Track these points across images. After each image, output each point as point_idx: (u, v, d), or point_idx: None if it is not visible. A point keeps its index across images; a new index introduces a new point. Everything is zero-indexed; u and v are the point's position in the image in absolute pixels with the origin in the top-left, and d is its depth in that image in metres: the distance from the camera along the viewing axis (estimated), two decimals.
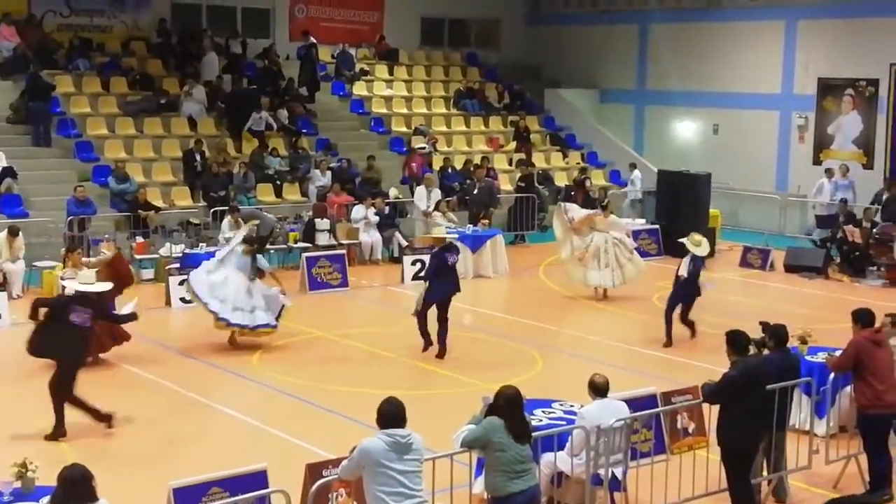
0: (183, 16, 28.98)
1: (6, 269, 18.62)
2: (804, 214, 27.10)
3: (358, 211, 22.65)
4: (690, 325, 16.52)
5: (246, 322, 15.45)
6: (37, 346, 12.06)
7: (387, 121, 29.53)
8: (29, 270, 19.31)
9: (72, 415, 12.31)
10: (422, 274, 16.06)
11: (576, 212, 19.93)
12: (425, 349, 15.36)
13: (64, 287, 13.50)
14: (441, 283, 15.17)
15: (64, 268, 15.81)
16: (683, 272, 16.13)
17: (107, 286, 12.75)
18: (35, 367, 15.10)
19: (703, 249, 16.39)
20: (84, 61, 26.19)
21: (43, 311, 12.01)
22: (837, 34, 27.27)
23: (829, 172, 25.84)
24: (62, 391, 11.72)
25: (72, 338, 11.78)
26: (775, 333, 10.20)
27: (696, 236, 16.59)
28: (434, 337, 15.33)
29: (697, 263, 16.21)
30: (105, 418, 11.96)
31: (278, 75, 28.27)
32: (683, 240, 16.53)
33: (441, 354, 15.27)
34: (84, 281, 12.31)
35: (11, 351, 16.23)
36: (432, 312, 15.32)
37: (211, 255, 18.96)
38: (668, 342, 16.28)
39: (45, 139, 23.87)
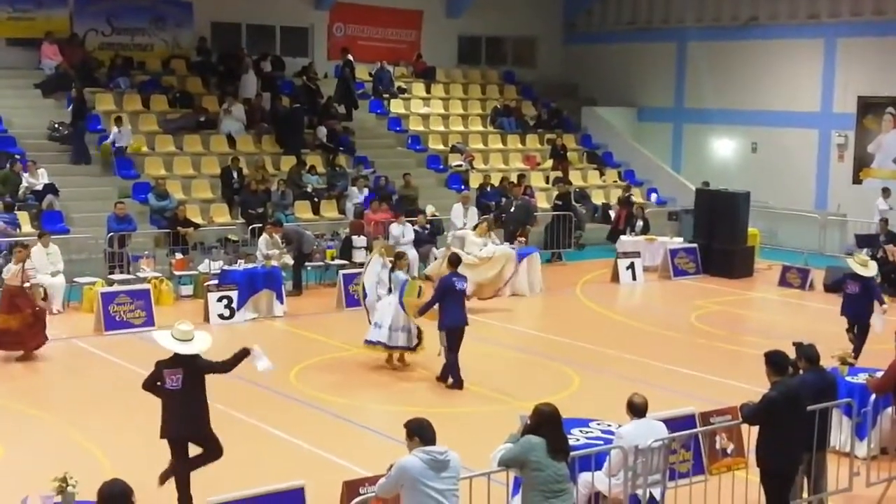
0: (223, 34, 29.27)
1: (46, 283, 18.79)
2: (844, 233, 26.88)
3: (395, 229, 22.69)
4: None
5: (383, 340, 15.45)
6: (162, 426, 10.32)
7: (424, 138, 29.63)
8: (69, 286, 19.49)
9: (108, 426, 12.41)
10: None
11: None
12: (457, 386, 14.70)
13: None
14: (451, 308, 14.63)
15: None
16: (854, 290, 15.38)
17: (202, 346, 10.15)
18: (75, 384, 15.27)
19: (870, 270, 15.46)
20: (125, 79, 26.52)
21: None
22: (877, 52, 27.10)
23: (886, 192, 25.52)
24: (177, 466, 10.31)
25: (172, 407, 10.16)
26: (806, 353, 10.10)
27: (862, 256, 15.94)
28: (443, 368, 14.87)
29: (869, 282, 15.37)
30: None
31: (317, 93, 28.46)
32: (849, 260, 16.00)
33: (455, 385, 14.68)
34: (181, 337, 10.03)
35: (51, 367, 16.43)
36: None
37: (249, 271, 19.15)
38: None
39: (86, 157, 24.16)
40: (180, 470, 10.11)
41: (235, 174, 24.53)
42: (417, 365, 15.71)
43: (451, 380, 14.72)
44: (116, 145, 24.13)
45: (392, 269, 15.74)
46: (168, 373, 9.94)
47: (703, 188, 26.17)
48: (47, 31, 26.07)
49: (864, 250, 16.38)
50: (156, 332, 10.63)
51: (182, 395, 9.93)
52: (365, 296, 15.92)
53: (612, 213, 28.73)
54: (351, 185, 25.57)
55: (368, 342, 15.69)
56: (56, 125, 24.50)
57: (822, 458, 10.16)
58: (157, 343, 10.18)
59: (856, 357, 14.91)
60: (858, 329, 15.45)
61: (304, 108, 27.55)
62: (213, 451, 10.22)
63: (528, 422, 8.24)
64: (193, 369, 9.97)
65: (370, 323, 15.72)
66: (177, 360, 9.97)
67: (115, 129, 24.16)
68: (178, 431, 10.04)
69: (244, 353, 10.28)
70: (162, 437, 10.08)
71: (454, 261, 15.46)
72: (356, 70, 29.55)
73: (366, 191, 25.27)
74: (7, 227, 20.84)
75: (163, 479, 10.19)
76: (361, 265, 21.39)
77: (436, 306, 14.73)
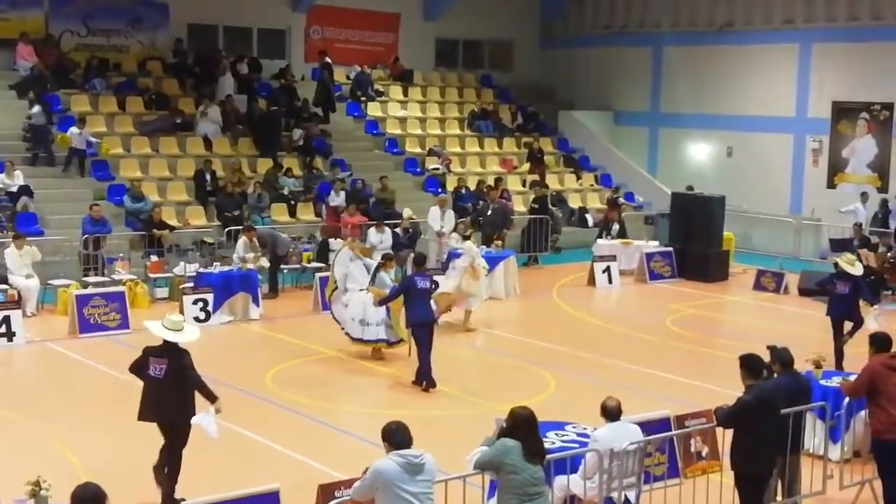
0: (199, 36, 29.18)
1: (20, 285, 18.69)
2: (819, 237, 27.04)
3: (373, 235, 22.64)
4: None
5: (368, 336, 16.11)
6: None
7: (401, 141, 29.64)
8: (44, 288, 19.37)
9: (82, 428, 12.35)
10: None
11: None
12: (432, 385, 14.73)
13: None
14: (417, 305, 14.76)
15: None
16: (844, 290, 15.55)
17: (192, 335, 10.55)
18: (49, 387, 15.17)
19: (858, 269, 15.73)
20: (101, 81, 26.38)
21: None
22: (852, 58, 27.29)
23: (864, 196, 25.68)
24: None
25: (154, 394, 10.37)
26: (780, 357, 10.14)
27: (850, 255, 16.20)
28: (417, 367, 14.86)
29: (858, 281, 15.63)
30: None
31: (294, 96, 28.41)
32: (837, 259, 16.12)
33: (429, 386, 14.66)
34: (172, 327, 10.37)
35: (25, 369, 16.33)
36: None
37: (225, 274, 19.12)
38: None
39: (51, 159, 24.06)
40: (164, 458, 10.36)
41: (209, 176, 24.48)
42: (393, 367, 15.69)
43: (424, 381, 14.72)
44: (73, 146, 23.63)
45: (378, 270, 16.13)
46: (154, 360, 10.17)
47: (680, 192, 26.25)
48: (22, 31, 25.91)
49: (845, 253, 16.53)
50: (147, 322, 10.84)
51: (163, 384, 10.13)
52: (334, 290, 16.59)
53: (590, 218, 28.85)
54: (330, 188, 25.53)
55: (358, 340, 16.25)
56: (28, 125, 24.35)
57: (796, 462, 10.22)
58: (149, 330, 10.44)
59: (840, 361, 15.07)
60: (843, 329, 15.53)
61: (281, 111, 27.51)
62: (176, 443, 10.34)
63: (504, 425, 8.25)
64: (177, 363, 10.15)
65: (338, 321, 16.48)
66: (164, 350, 10.22)
67: (74, 130, 23.65)
68: (152, 417, 10.29)
69: (212, 397, 10.30)
70: (139, 419, 10.37)
71: (419, 261, 15.71)
72: (334, 73, 29.51)
73: (343, 194, 25.22)
74: None
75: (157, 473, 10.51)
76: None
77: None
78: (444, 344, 17.65)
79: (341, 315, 16.56)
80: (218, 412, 10.22)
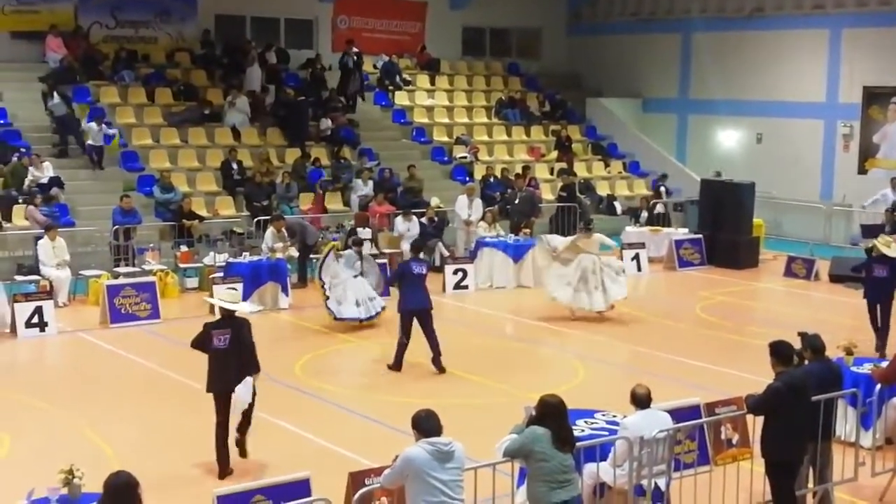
0: (227, 27, 29.25)
1: (51, 276, 18.83)
2: (849, 224, 26.84)
3: (400, 224, 22.71)
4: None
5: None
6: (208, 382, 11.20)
7: (428, 130, 29.62)
8: (75, 279, 19.52)
9: (113, 418, 12.46)
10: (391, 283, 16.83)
11: (558, 241, 19.25)
12: (396, 368, 15.01)
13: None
14: (410, 292, 14.99)
15: None
16: (882, 273, 15.66)
17: (249, 307, 12.17)
18: (80, 376, 15.30)
19: (893, 251, 15.76)
20: (129, 72, 26.50)
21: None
22: (882, 42, 27.02)
23: (894, 182, 25.45)
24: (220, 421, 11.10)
25: (219, 363, 11.05)
26: (811, 344, 10.08)
27: (887, 237, 16.35)
28: (428, 356, 15.13)
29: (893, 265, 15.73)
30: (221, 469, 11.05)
31: (322, 85, 28.43)
32: (875, 242, 16.14)
33: (440, 369, 14.99)
34: (230, 299, 11.45)
35: (57, 359, 16.47)
36: (419, 336, 15.14)
37: (254, 263, 19.21)
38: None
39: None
40: (221, 427, 10.97)
41: (235, 166, 24.57)
42: (422, 357, 15.70)
43: (435, 366, 14.99)
44: (90, 143, 23.49)
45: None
46: (217, 333, 10.98)
47: (709, 178, 26.13)
48: (51, 23, 26.07)
49: (882, 235, 16.52)
50: (207, 298, 13.14)
51: (226, 353, 10.94)
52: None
53: (618, 205, 28.75)
54: (356, 178, 25.56)
55: (341, 318, 17.41)
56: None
57: (828, 449, 10.15)
58: (211, 303, 11.96)
59: (884, 348, 14.99)
60: (882, 311, 15.59)
61: (309, 101, 27.55)
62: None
63: (533, 413, 8.25)
64: (239, 331, 11.05)
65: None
66: (226, 322, 11.11)
67: (93, 125, 23.40)
68: (222, 386, 10.98)
69: (258, 367, 11.37)
70: (208, 391, 11.05)
71: (416, 246, 16.16)
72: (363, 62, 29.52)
73: (371, 183, 25.26)
74: (47, 220, 20.57)
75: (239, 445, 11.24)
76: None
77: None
78: (472, 332, 17.68)
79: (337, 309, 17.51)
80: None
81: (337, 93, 28.50)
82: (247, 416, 11.19)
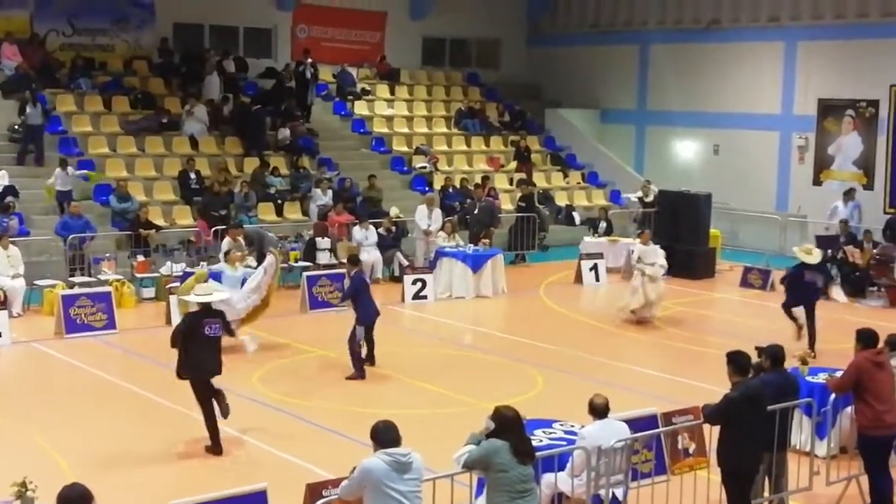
0: (185, 35, 29.12)
1: (6, 285, 18.60)
2: (804, 234, 27.09)
3: (357, 232, 22.71)
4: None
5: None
6: (186, 368, 12.01)
7: (388, 140, 29.61)
8: (30, 289, 19.30)
9: (68, 429, 12.33)
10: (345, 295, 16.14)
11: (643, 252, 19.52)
12: (359, 377, 15.10)
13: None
14: (369, 302, 15.34)
15: None
16: (813, 278, 16.80)
17: (225, 294, 13.82)
18: (34, 387, 15.13)
19: (814, 258, 16.85)
20: (86, 80, 26.29)
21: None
22: (837, 55, 27.36)
23: (848, 195, 25.72)
24: (206, 405, 11.96)
25: (210, 349, 11.98)
26: (771, 353, 10.16)
27: (807, 245, 17.36)
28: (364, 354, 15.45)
29: (822, 268, 16.96)
30: (215, 449, 11.98)
31: (287, 94, 28.26)
32: (795, 249, 17.25)
33: (372, 364, 15.50)
34: (204, 292, 12.53)
35: (11, 370, 16.27)
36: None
37: (212, 274, 19.02)
38: (800, 330, 16.85)
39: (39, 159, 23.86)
40: (209, 412, 11.85)
41: (193, 175, 24.43)
42: (383, 368, 15.68)
43: (356, 371, 15.04)
44: (59, 189, 22.58)
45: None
46: (208, 322, 11.88)
47: (667, 189, 26.23)
48: (7, 31, 25.83)
49: (802, 245, 17.69)
50: (185, 297, 13.48)
51: (216, 340, 11.98)
52: None
53: (577, 216, 28.87)
54: (315, 187, 25.49)
55: None
56: (16, 126, 24.24)
57: (783, 458, 10.24)
58: (193, 302, 12.43)
59: (813, 346, 15.65)
60: (809, 317, 16.74)
61: (269, 110, 27.45)
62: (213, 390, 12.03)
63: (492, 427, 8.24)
64: (224, 319, 12.34)
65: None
66: (213, 312, 12.11)
67: (58, 170, 22.53)
68: (206, 373, 11.86)
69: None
70: (190, 377, 11.86)
71: (354, 260, 16.11)
72: (320, 71, 29.43)
73: (329, 192, 25.20)
74: None
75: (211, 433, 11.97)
76: (325, 266, 21.56)
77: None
78: (431, 342, 17.68)
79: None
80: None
81: (295, 102, 28.39)
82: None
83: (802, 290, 16.84)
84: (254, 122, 26.70)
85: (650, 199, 26.86)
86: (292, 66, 29.13)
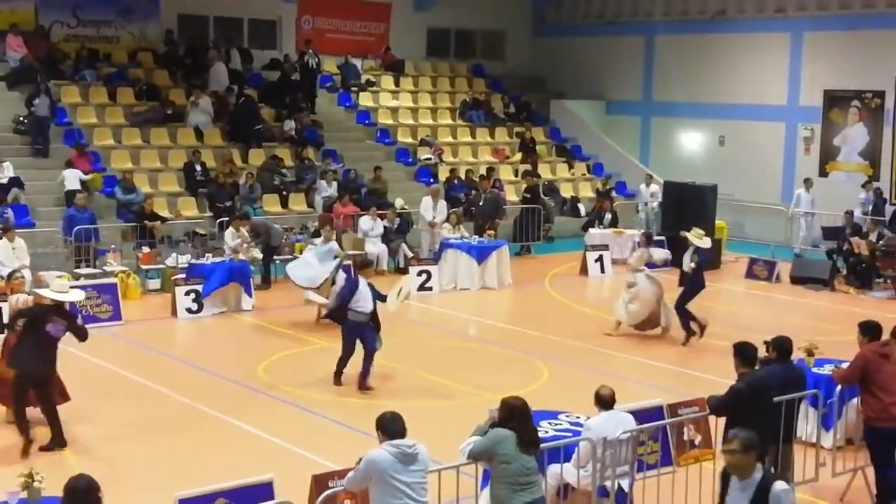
0: (190, 27, 29.09)
1: None
2: (810, 226, 27.05)
3: (364, 223, 22.73)
4: (695, 321, 16.98)
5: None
6: (15, 358, 11.64)
7: (393, 132, 29.58)
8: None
9: (74, 420, 12.35)
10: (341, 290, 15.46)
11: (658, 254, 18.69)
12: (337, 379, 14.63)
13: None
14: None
15: None
16: (687, 266, 16.97)
17: (81, 295, 12.82)
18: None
19: (706, 242, 17.12)
20: (91, 72, 26.28)
21: (20, 321, 11.72)
22: (843, 46, 27.28)
23: (807, 183, 26.11)
24: (19, 402, 11.62)
25: (47, 349, 11.56)
26: (778, 344, 10.15)
27: (698, 229, 17.31)
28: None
29: (703, 255, 16.97)
30: (26, 448, 11.56)
31: (294, 86, 28.18)
32: (686, 233, 17.26)
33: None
34: (60, 290, 11.83)
35: None
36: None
37: (217, 265, 19.06)
38: (688, 337, 16.92)
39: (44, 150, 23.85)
40: (20, 411, 11.54)
41: (199, 167, 24.42)
42: (387, 359, 15.67)
43: (339, 375, 14.49)
44: (67, 188, 22.40)
45: None
46: (55, 320, 11.45)
47: (673, 181, 26.21)
48: (12, 22, 25.79)
49: (693, 229, 17.66)
50: (39, 290, 12.24)
51: (54, 342, 11.51)
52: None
53: (582, 207, 28.87)
54: (320, 179, 25.48)
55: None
56: (21, 118, 24.24)
57: (789, 449, 10.23)
58: (46, 297, 11.72)
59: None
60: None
61: (254, 101, 27.17)
62: (51, 392, 11.74)
63: (497, 415, 8.25)
64: (72, 327, 11.75)
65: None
66: (61, 313, 11.58)
67: (66, 171, 22.58)
68: (38, 371, 11.49)
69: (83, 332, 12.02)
70: (24, 371, 11.44)
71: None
72: (323, 62, 29.42)
73: (335, 184, 25.19)
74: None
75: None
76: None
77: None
78: (436, 334, 17.67)
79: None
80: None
81: (301, 94, 28.36)
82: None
83: (700, 277, 17.11)
84: (243, 113, 26.43)
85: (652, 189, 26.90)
86: (294, 58, 29.13)
